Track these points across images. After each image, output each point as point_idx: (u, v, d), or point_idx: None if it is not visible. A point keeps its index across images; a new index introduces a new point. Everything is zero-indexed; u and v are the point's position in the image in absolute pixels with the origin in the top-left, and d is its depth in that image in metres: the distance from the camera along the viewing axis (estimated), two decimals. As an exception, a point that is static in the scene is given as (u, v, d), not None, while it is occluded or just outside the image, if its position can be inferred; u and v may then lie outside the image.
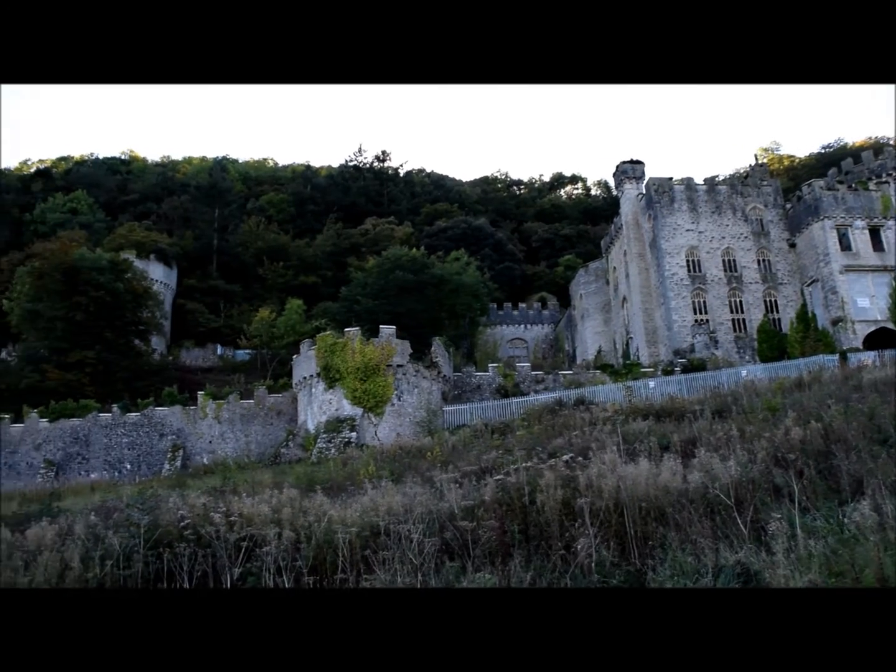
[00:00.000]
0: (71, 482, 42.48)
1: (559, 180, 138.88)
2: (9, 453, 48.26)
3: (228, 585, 9.36)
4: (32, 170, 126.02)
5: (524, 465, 11.01)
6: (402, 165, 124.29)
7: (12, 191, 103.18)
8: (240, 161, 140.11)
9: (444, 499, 11.23)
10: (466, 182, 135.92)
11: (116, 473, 46.18)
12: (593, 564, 8.51)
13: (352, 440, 39.30)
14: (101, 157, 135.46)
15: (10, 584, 9.43)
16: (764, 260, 60.30)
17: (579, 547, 8.74)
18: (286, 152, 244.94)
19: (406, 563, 8.83)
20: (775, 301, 58.84)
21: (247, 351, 71.14)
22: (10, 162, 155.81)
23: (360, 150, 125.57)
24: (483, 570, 8.86)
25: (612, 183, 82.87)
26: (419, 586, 8.48)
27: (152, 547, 9.97)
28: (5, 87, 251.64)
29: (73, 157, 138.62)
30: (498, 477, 10.90)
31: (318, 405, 42.56)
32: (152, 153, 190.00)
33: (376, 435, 39.95)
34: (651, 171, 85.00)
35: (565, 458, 11.26)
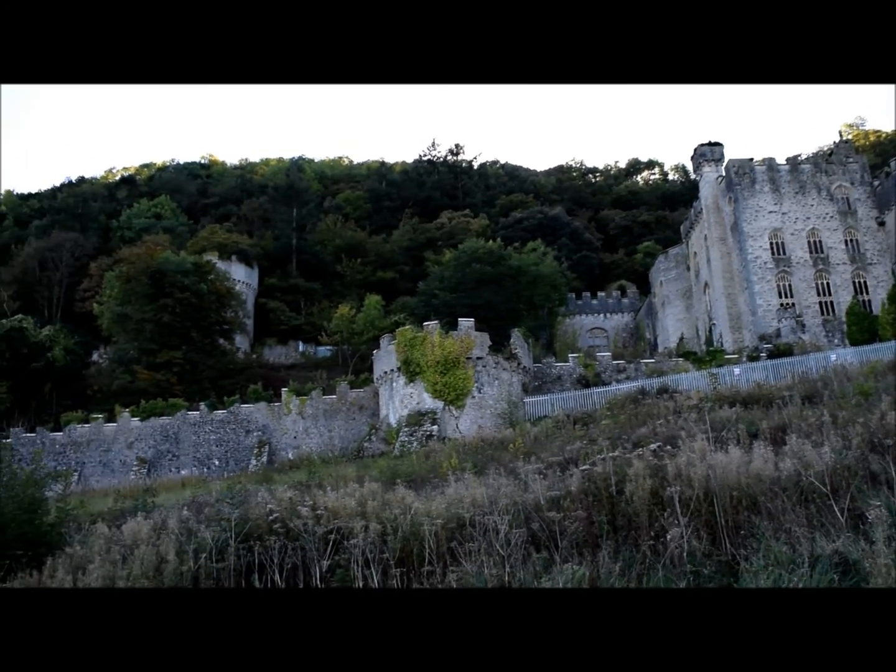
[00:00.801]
0: (162, 478, 43.72)
1: (635, 166, 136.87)
2: (103, 451, 49.94)
3: (318, 577, 9.47)
4: (117, 178, 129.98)
5: (610, 455, 10.86)
6: (475, 158, 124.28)
7: (99, 199, 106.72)
8: (315, 160, 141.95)
9: (528, 490, 11.15)
10: (541, 172, 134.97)
11: (205, 469, 47.35)
12: (685, 555, 8.34)
13: (433, 433, 39.47)
14: (181, 162, 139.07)
15: (109, 576, 9.72)
16: (851, 240, 58.40)
17: (669, 537, 8.57)
18: (361, 150, 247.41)
19: (493, 555, 8.80)
20: (864, 282, 56.94)
21: (328, 347, 72.11)
22: (96, 171, 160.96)
23: (433, 145, 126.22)
24: (570, 560, 8.77)
25: (690, 166, 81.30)
26: (506, 577, 8.43)
27: (243, 540, 10.16)
28: (87, 97, 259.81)
29: (155, 164, 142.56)
30: (584, 467, 10.76)
31: (400, 399, 42.86)
32: (231, 157, 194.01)
33: (457, 427, 40.05)
34: (730, 153, 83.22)
35: (652, 447, 11.06)
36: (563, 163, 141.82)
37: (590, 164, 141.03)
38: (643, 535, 9.22)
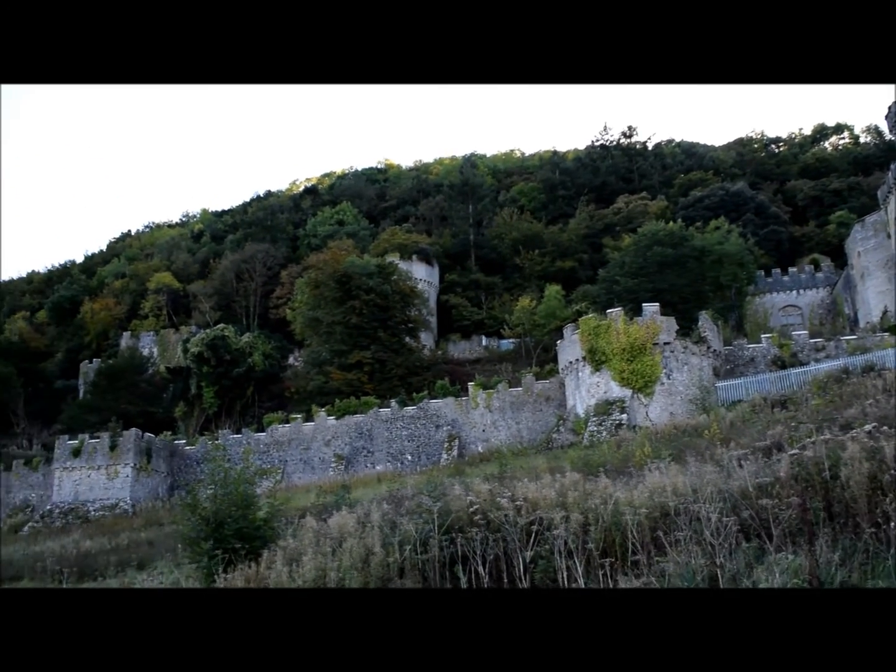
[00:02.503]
0: (359, 474, 45.45)
1: (822, 132, 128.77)
2: (303, 450, 52.43)
3: (521, 568, 9.50)
4: (301, 189, 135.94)
5: (821, 437, 10.26)
6: (649, 139, 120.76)
7: (285, 210, 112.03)
8: (487, 156, 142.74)
9: (732, 477, 10.74)
10: (719, 147, 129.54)
11: (399, 464, 48.74)
12: (914, 542, 7.76)
13: (623, 422, 38.82)
14: (359, 169, 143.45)
15: (321, 568, 10.15)
16: None
17: (894, 525, 8.01)
18: (532, 141, 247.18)
19: (702, 544, 8.52)
20: None
21: (510, 340, 72.37)
22: (281, 184, 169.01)
23: (605, 129, 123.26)
24: (784, 550, 8.36)
25: (884, 126, 75.68)
26: (717, 568, 8.14)
27: (445, 532, 10.34)
28: (268, 114, 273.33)
29: (335, 173, 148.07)
30: (792, 451, 10.22)
31: (586, 389, 42.43)
32: (405, 159, 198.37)
33: (647, 415, 39.19)
34: (931, 109, 76.59)
35: (867, 427, 10.35)
36: (743, 135, 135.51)
37: (771, 134, 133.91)
38: (864, 522, 8.66)
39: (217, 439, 51.60)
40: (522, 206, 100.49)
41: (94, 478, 49.69)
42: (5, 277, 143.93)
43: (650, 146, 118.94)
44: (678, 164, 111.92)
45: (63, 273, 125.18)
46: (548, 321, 63.55)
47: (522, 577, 9.38)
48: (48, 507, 49.95)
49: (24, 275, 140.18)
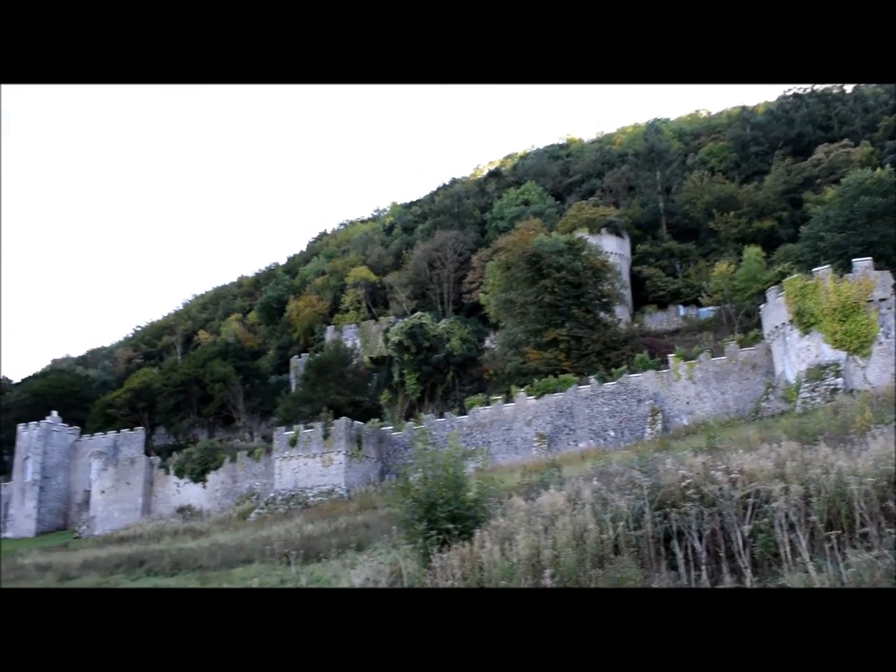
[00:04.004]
0: (561, 452, 45.44)
1: None
2: (505, 430, 53.04)
3: (739, 542, 9.20)
4: (484, 172, 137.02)
5: None
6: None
7: (471, 195, 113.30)
8: (671, 119, 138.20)
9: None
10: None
11: (601, 441, 48.32)
12: None
13: (838, 386, 36.69)
14: (541, 147, 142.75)
15: (534, 546, 10.25)
16: None
17: None
18: (717, 100, 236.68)
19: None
20: None
21: (709, 308, 69.99)
22: (465, 170, 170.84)
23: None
24: None
25: None
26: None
27: (658, 507, 10.18)
28: (446, 102, 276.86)
29: (516, 153, 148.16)
30: None
31: (795, 353, 40.37)
32: (587, 133, 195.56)
33: (865, 378, 36.82)
34: None
35: None
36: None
37: None
38: None
39: (422, 424, 53.14)
40: (713, 167, 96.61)
41: (310, 465, 52.51)
42: (218, 284, 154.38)
43: (849, 89, 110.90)
44: (881, 104, 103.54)
45: (269, 275, 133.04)
46: (748, 285, 60.86)
47: (741, 552, 9.08)
48: (271, 495, 53.33)
49: (234, 280, 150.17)
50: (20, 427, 77.39)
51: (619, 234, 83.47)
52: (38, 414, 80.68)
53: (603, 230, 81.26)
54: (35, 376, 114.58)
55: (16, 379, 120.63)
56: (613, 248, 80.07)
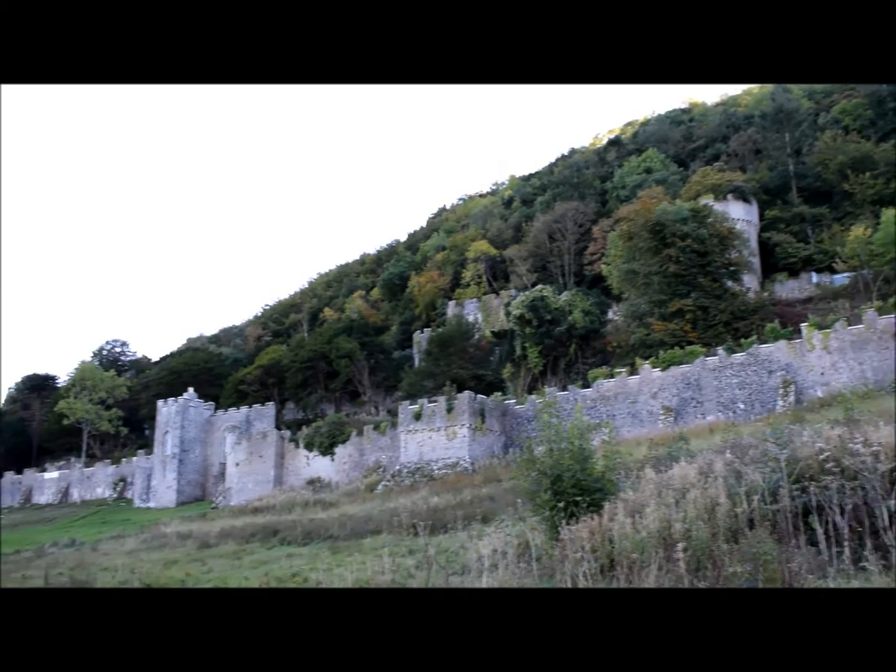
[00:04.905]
0: (689, 425, 44.45)
1: None
2: (630, 403, 52.28)
3: (884, 518, 8.77)
4: (604, 141, 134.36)
5: None
6: None
7: (590, 165, 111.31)
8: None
9: None
10: None
11: (730, 414, 47.01)
12: None
13: None
14: (662, 112, 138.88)
15: (664, 519, 10.06)
16: None
17: None
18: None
19: None
20: None
21: (845, 275, 66.88)
22: (583, 140, 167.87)
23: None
24: None
25: None
26: None
27: (795, 481, 9.81)
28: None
29: (637, 120, 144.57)
30: None
31: (941, 320, 38.17)
32: (710, 96, 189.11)
33: None
34: None
35: None
36: None
37: None
38: None
39: (545, 397, 52.98)
40: (846, 126, 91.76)
41: (434, 439, 53.21)
42: (341, 262, 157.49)
43: None
44: None
45: (390, 252, 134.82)
46: (887, 249, 57.81)
47: (887, 528, 8.66)
48: (397, 468, 54.35)
49: (357, 257, 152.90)
50: (159, 403, 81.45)
51: (746, 200, 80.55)
52: (176, 390, 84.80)
53: (729, 196, 78.59)
54: (172, 355, 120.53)
55: (154, 358, 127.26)
56: (740, 215, 77.38)
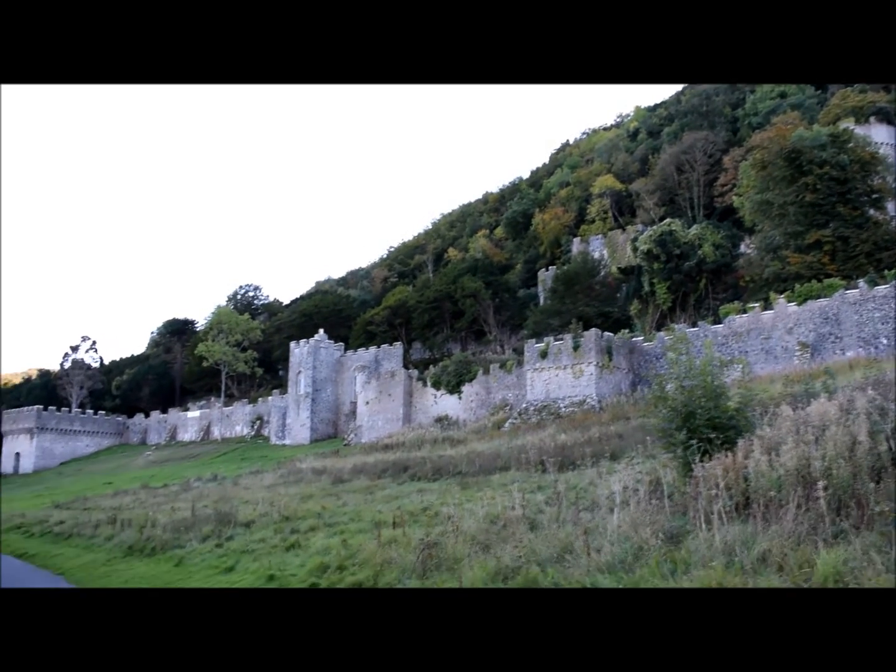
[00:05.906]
0: (826, 361, 42.74)
1: None
2: (763, 339, 50.60)
3: None
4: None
5: None
6: None
7: (721, 92, 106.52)
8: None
9: None
10: None
11: (872, 350, 44.85)
12: None
13: None
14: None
15: (803, 457, 9.76)
16: None
17: None
18: None
19: None
20: None
21: None
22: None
23: None
24: None
25: None
26: None
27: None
28: None
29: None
30: None
31: None
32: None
33: None
34: None
35: None
36: None
37: None
38: None
39: (673, 333, 51.90)
40: None
41: (561, 377, 53.08)
42: (464, 201, 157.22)
43: None
44: None
45: (513, 190, 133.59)
46: None
47: None
48: (523, 405, 54.60)
49: (480, 196, 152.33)
50: (292, 344, 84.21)
51: (890, 123, 75.75)
52: (307, 332, 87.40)
53: (871, 119, 74.09)
54: (302, 298, 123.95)
55: (286, 301, 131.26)
56: (884, 138, 72.89)
